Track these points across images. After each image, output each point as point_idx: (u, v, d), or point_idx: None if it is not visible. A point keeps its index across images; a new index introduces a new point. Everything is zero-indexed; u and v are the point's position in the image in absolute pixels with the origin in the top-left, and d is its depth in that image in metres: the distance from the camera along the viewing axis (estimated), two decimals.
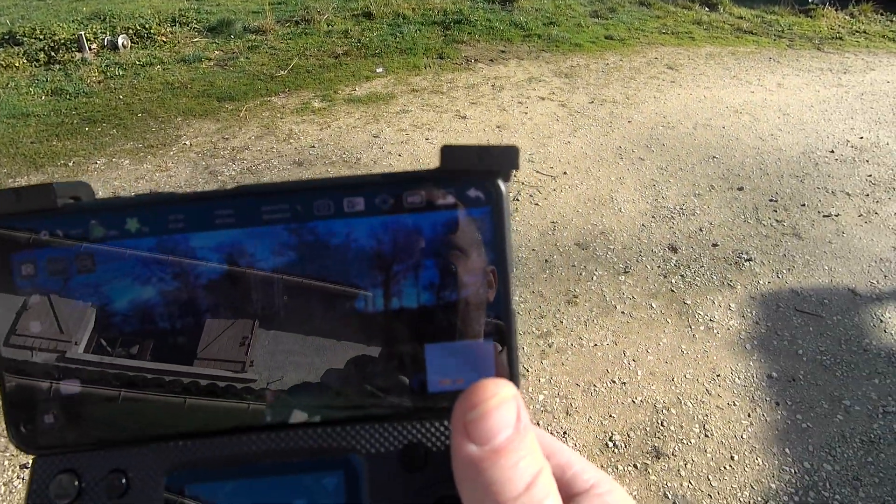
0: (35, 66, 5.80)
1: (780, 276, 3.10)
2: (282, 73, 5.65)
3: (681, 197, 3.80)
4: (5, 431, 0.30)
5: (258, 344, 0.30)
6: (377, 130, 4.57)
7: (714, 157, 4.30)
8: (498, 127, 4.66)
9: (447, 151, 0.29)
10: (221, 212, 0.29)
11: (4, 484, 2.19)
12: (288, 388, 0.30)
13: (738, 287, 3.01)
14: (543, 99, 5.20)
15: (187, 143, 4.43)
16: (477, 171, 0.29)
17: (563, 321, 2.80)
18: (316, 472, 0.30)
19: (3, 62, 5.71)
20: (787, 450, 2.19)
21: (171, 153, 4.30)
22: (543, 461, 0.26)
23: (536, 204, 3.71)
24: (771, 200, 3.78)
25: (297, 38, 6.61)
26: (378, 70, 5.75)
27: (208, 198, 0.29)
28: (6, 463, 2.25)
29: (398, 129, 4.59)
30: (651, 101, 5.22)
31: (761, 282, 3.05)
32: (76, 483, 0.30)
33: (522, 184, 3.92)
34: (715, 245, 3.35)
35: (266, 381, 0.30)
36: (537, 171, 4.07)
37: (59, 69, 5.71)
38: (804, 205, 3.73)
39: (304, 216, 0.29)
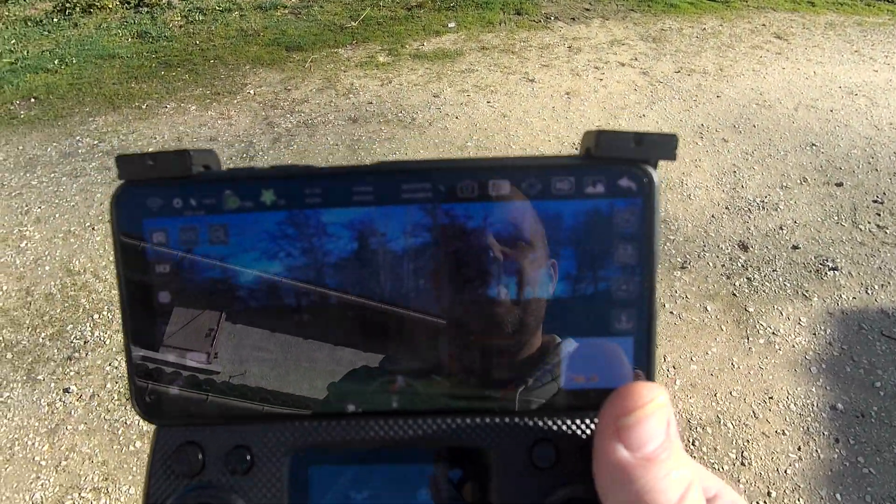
0: (126, 7, 6.04)
1: (869, 291, 2.68)
2: (352, 23, 5.53)
3: (764, 188, 3.37)
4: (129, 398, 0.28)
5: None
6: (438, 90, 4.38)
7: (813, 144, 3.76)
8: (567, 94, 4.32)
9: (602, 137, 0.28)
10: (361, 188, 0.28)
11: (48, 404, 2.36)
12: (410, 375, 0.29)
13: (815, 299, 2.64)
14: (623, 65, 4.76)
15: (251, 91, 4.47)
16: (628, 159, 0.28)
17: None
18: (441, 462, 0.29)
19: (97, 3, 6.00)
20: (837, 495, 1.91)
21: (235, 101, 4.36)
22: (693, 473, 0.25)
23: None
24: (875, 202, 3.26)
25: None
26: (450, 25, 5.49)
27: (350, 173, 0.29)
28: (52, 385, 2.42)
29: (460, 90, 4.37)
30: (748, 75, 4.63)
31: (844, 296, 2.65)
32: (200, 456, 0.30)
33: None
34: (795, 247, 2.94)
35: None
36: None
37: (147, 12, 5.92)
38: None
39: (446, 197, 0.28)
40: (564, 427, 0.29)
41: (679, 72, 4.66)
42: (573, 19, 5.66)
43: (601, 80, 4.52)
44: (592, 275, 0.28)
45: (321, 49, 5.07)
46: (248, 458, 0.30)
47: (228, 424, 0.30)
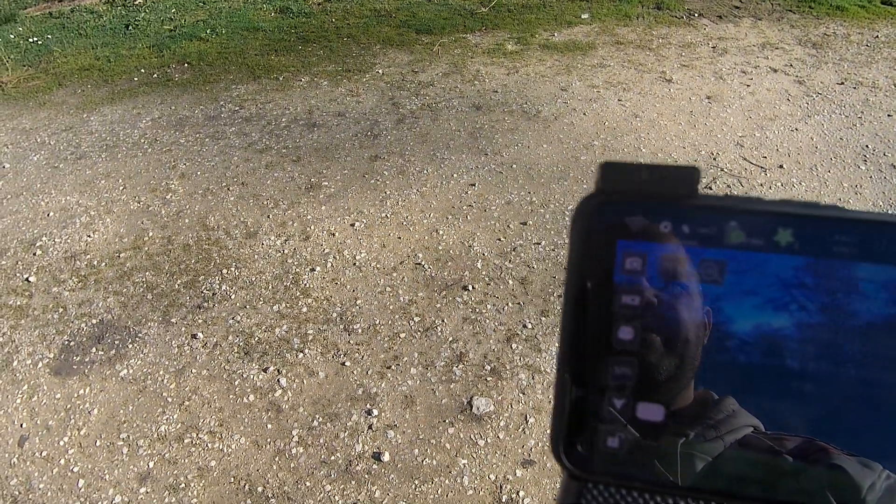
0: None
1: None
2: (483, 9, 5.48)
3: None
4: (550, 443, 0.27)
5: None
6: (566, 83, 4.22)
7: None
8: (707, 98, 3.99)
9: None
10: None
11: (178, 346, 2.56)
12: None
13: None
14: (776, 71, 4.30)
15: (380, 71, 4.57)
16: None
17: None
18: None
19: None
20: None
21: (364, 79, 4.47)
22: None
23: None
24: None
25: None
26: (583, 16, 5.27)
27: (891, 223, 0.24)
28: (183, 329, 2.63)
29: (589, 85, 4.18)
30: None
31: None
32: None
33: (722, 170, 3.32)
34: None
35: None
36: (744, 158, 3.41)
37: None
38: None
39: None
40: None
41: (843, 83, 4.13)
42: (720, 17, 5.21)
43: (748, 85, 4.12)
44: None
45: (450, 33, 5.07)
46: None
47: (682, 498, 0.25)
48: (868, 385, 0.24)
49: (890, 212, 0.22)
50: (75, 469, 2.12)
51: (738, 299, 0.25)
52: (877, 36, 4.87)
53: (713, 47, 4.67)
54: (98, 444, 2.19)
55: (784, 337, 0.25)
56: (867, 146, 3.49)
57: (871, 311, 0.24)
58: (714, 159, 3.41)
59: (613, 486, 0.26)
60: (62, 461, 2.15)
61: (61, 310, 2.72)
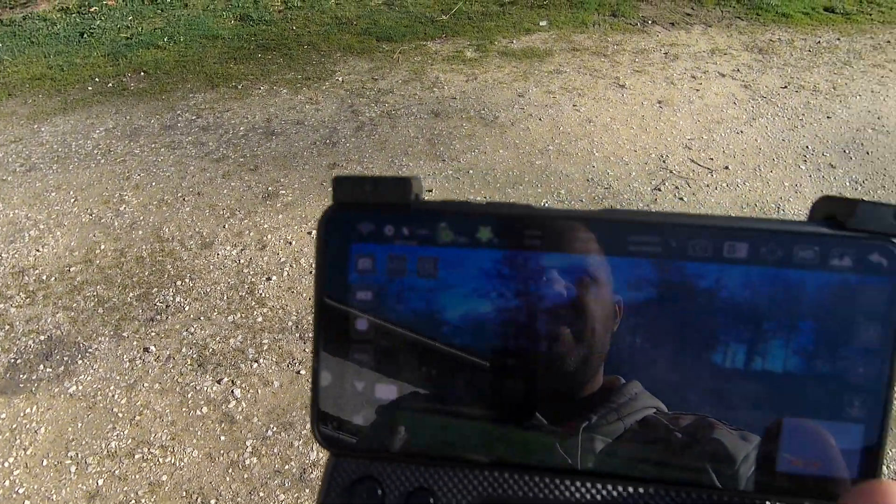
0: None
1: None
2: (443, 17, 5.54)
3: None
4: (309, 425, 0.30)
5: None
6: (523, 89, 4.30)
7: None
8: (659, 102, 4.11)
9: (861, 207, 0.27)
10: (584, 234, 0.28)
11: (130, 360, 2.53)
12: (615, 437, 0.28)
13: None
14: (723, 76, 4.47)
15: (340, 79, 4.58)
16: (882, 234, 0.27)
17: None
18: None
19: None
20: None
21: (324, 87, 4.48)
22: None
23: (681, 199, 3.23)
24: None
25: None
26: (541, 23, 5.37)
27: (575, 218, 0.28)
28: (134, 343, 2.59)
29: (546, 91, 4.26)
30: (866, 96, 4.21)
31: None
32: (378, 492, 0.29)
33: (670, 172, 3.43)
34: None
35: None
36: (692, 160, 3.53)
37: None
38: None
39: (676, 254, 0.27)
40: None
41: (786, 87, 4.31)
42: (673, 24, 5.37)
43: (698, 90, 4.26)
44: (829, 353, 0.27)
45: (410, 41, 5.11)
46: (431, 501, 0.29)
47: (411, 463, 0.29)
48: (558, 358, 0.28)
49: (576, 208, 0.26)
50: (21, 490, 2.07)
51: (449, 290, 0.28)
52: (818, 42, 5.10)
53: (665, 53, 4.82)
54: (45, 463, 2.15)
55: (487, 321, 0.28)
56: (807, 147, 3.65)
57: (556, 294, 0.28)
58: (664, 162, 3.52)
59: (362, 459, 0.30)
60: (7, 483, 2.10)
61: (7, 327, 2.65)
